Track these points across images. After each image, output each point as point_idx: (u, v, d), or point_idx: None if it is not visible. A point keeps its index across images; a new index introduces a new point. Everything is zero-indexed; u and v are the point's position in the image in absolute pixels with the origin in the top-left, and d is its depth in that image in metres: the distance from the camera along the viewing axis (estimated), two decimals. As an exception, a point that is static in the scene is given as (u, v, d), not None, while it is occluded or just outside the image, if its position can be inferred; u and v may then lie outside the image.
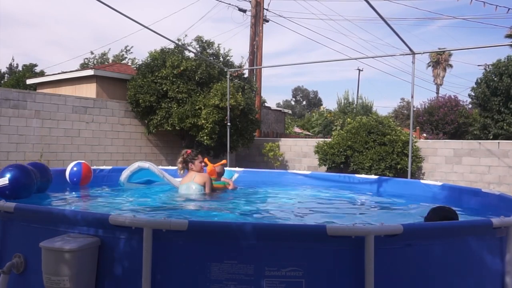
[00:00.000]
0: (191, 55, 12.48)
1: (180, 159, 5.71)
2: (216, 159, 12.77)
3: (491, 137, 13.76)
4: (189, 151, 5.78)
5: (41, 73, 24.79)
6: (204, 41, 12.73)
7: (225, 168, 6.62)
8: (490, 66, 14.41)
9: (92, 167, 7.00)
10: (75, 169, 5.78)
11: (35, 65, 28.20)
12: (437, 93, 35.00)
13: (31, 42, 63.81)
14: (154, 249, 2.37)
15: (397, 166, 10.87)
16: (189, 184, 5.45)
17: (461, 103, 18.68)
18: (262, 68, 16.62)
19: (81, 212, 2.72)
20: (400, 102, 35.67)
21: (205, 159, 5.88)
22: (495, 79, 13.71)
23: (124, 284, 2.47)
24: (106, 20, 77.16)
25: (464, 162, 11.14)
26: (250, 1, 16.60)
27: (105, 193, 5.76)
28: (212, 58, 12.58)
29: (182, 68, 11.55)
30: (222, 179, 6.13)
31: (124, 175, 6.20)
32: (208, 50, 12.71)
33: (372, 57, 25.51)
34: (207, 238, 2.43)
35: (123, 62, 21.81)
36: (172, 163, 12.66)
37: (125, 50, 23.88)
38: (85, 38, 66.59)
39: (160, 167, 7.69)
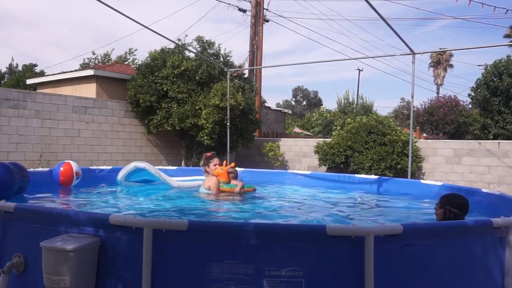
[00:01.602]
0: (192, 55, 12.48)
1: (201, 162, 5.71)
2: (216, 159, 12.74)
3: (491, 137, 13.76)
4: (208, 154, 5.70)
5: (41, 73, 24.79)
6: (204, 41, 12.74)
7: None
8: (489, 66, 14.41)
9: (93, 167, 7.03)
10: (61, 169, 5.70)
11: (35, 65, 28.22)
12: (437, 93, 35.00)
13: (31, 42, 63.89)
14: (154, 249, 2.37)
15: (397, 166, 10.87)
16: (200, 188, 5.52)
17: (461, 103, 18.69)
18: (262, 68, 16.62)
19: (81, 212, 2.72)
20: (400, 102, 35.69)
21: (224, 162, 5.80)
22: (495, 79, 13.71)
23: (124, 284, 2.47)
24: (106, 20, 77.19)
25: (464, 162, 11.14)
26: (250, 1, 16.60)
27: (99, 193, 5.75)
28: (212, 58, 12.58)
29: (182, 68, 11.55)
30: (235, 182, 5.89)
31: (121, 174, 6.29)
32: (208, 50, 12.71)
33: (372, 57, 25.56)
34: (207, 238, 2.43)
35: (125, 63, 21.79)
36: (172, 163, 12.67)
37: (129, 52, 23.83)
38: (85, 38, 66.66)
39: (160, 167, 7.72)
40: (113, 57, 24.04)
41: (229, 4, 17.76)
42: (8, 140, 9.78)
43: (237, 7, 17.27)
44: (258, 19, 16.28)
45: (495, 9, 8.31)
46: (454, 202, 3.39)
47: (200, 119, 11.42)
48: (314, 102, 57.62)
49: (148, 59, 12.35)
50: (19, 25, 63.18)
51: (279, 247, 2.38)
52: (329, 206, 5.27)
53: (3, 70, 30.73)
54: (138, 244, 2.39)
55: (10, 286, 2.69)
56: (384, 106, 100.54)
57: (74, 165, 5.84)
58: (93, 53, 24.47)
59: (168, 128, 11.81)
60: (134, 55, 23.85)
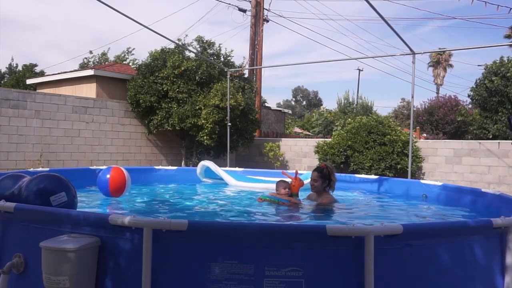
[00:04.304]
0: (192, 55, 12.48)
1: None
2: (216, 159, 12.76)
3: (490, 136, 13.78)
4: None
5: (41, 73, 24.77)
6: (204, 41, 12.74)
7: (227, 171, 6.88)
8: (488, 67, 14.46)
9: (93, 167, 7.02)
10: (107, 176, 4.86)
11: (35, 65, 28.17)
12: (437, 93, 35.01)
13: (30, 45, 63.81)
14: (154, 249, 2.37)
15: (397, 166, 10.87)
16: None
17: (461, 103, 18.69)
18: (262, 68, 16.62)
19: (81, 212, 2.72)
20: (400, 102, 35.72)
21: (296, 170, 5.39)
22: (493, 79, 13.75)
23: (124, 284, 2.47)
24: (105, 23, 77.13)
25: (464, 162, 11.13)
26: (250, 1, 16.60)
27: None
28: (212, 58, 12.58)
29: (182, 68, 11.55)
30: (286, 197, 5.08)
31: (198, 172, 7.21)
32: (208, 50, 12.71)
33: (372, 57, 25.55)
34: (207, 238, 2.43)
35: (124, 63, 21.77)
36: (172, 163, 12.67)
37: (127, 51, 23.78)
38: (84, 41, 66.58)
39: (160, 167, 7.80)
40: (111, 56, 23.97)
41: (229, 4, 17.77)
42: (8, 140, 9.78)
43: (237, 7, 17.29)
44: (258, 19, 16.28)
45: (498, 8, 8.25)
46: None
47: (200, 119, 11.42)
48: (314, 102, 57.61)
49: (148, 59, 12.35)
50: (19, 28, 63.20)
51: (279, 247, 2.38)
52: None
53: (3, 70, 30.73)
54: (138, 244, 2.39)
55: (10, 286, 2.69)
56: (384, 106, 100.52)
57: (125, 172, 4.92)
58: (91, 52, 24.39)
59: (168, 128, 11.81)
60: (132, 54, 23.80)
